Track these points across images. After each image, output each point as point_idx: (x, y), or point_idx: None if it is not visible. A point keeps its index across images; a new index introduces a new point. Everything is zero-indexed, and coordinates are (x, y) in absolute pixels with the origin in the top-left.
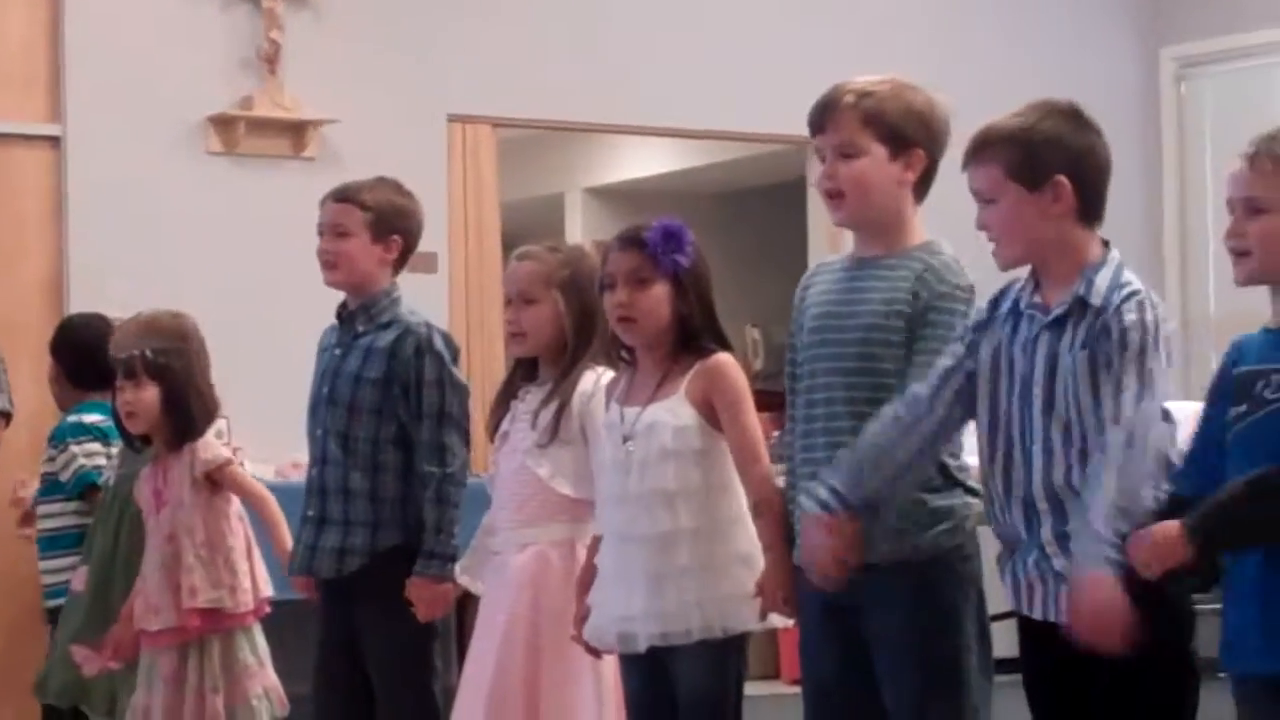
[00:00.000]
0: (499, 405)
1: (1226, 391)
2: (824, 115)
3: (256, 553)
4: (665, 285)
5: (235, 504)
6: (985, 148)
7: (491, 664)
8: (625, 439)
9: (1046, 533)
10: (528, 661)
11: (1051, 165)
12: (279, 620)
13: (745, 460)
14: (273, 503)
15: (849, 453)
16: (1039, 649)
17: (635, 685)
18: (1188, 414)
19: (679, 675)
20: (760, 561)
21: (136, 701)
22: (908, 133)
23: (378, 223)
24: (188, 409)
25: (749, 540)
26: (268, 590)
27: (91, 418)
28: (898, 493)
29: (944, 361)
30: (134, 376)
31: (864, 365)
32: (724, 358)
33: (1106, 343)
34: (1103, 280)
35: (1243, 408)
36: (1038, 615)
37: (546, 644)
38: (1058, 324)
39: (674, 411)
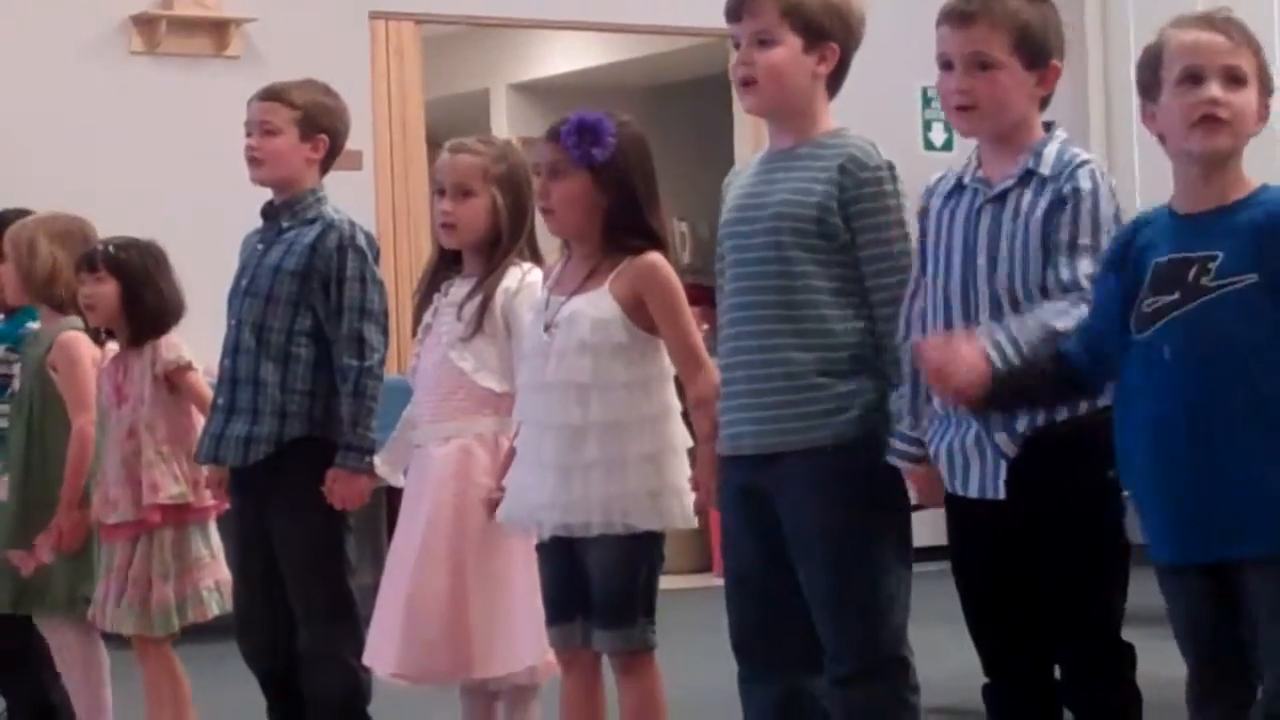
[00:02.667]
0: (421, 296)
1: (1126, 267)
2: (742, 3)
3: None
4: (583, 178)
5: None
6: (995, 5)
7: (414, 554)
8: (547, 326)
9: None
10: (452, 551)
11: (1051, 50)
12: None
13: (685, 359)
14: None
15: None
16: (969, 530)
17: (548, 572)
18: None
19: (591, 566)
20: (669, 462)
21: (98, 593)
22: (825, 26)
23: (305, 121)
24: (146, 305)
25: (660, 439)
26: None
27: None
28: None
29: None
30: (94, 270)
31: (772, 254)
32: (655, 258)
33: (1061, 210)
34: (1051, 152)
35: (1174, 295)
36: (973, 493)
37: (471, 533)
38: (1001, 198)
39: (595, 304)
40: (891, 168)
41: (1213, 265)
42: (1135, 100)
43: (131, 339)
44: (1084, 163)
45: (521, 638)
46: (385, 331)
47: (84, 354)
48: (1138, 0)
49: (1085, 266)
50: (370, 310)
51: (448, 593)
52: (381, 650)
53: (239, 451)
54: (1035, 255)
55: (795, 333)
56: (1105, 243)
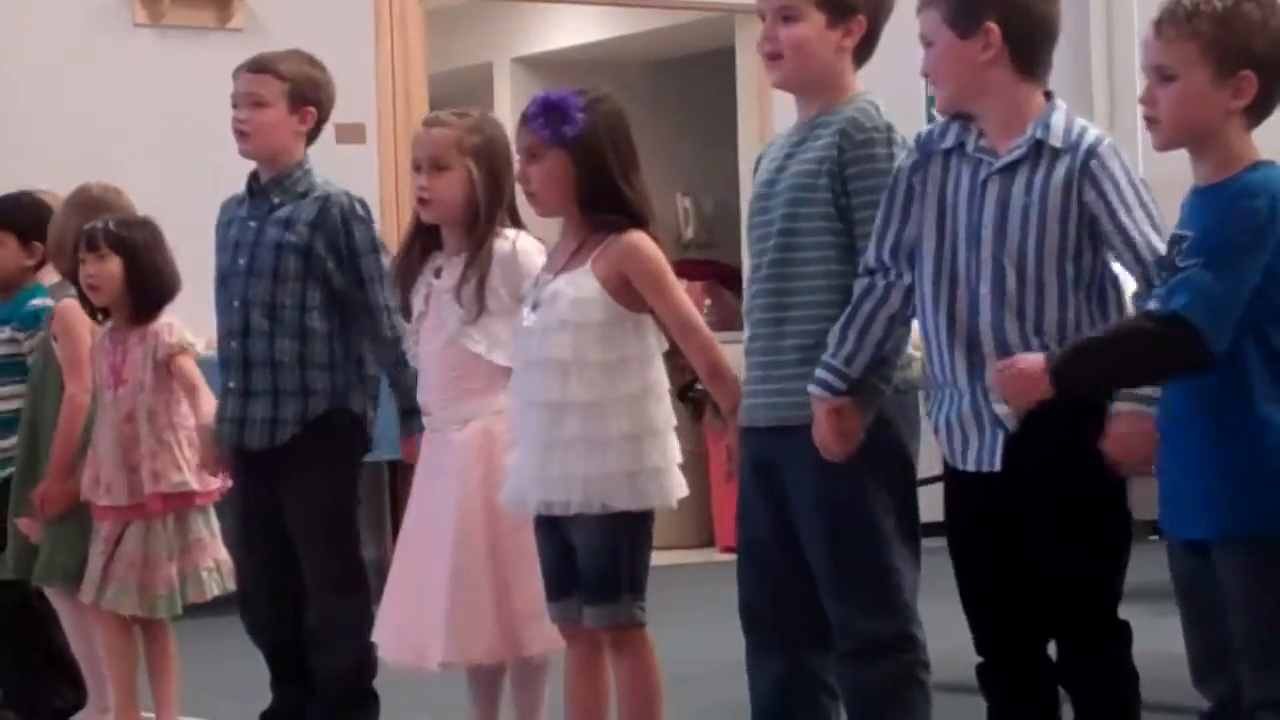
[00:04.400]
0: (404, 276)
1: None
2: None
3: None
4: (559, 157)
5: None
6: None
7: (447, 542)
8: (534, 305)
9: (989, 377)
10: (488, 535)
11: (983, 14)
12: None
13: (683, 332)
14: (208, 401)
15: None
16: (968, 500)
17: (543, 549)
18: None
19: (576, 543)
20: (648, 443)
21: (91, 569)
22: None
23: (293, 93)
24: (148, 282)
25: (640, 419)
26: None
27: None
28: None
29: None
30: (96, 248)
31: (786, 228)
32: (635, 237)
33: (1094, 194)
34: (1058, 123)
35: (1166, 273)
36: (970, 466)
37: (503, 514)
38: (1009, 169)
39: (575, 284)
40: (890, 129)
41: (1184, 245)
42: (1138, 72)
43: (132, 317)
44: (1099, 137)
45: None
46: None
47: (79, 321)
48: None
49: (1152, 236)
50: (385, 277)
51: (491, 576)
52: (417, 642)
53: (265, 434)
54: (1053, 225)
55: (806, 304)
56: (1151, 208)
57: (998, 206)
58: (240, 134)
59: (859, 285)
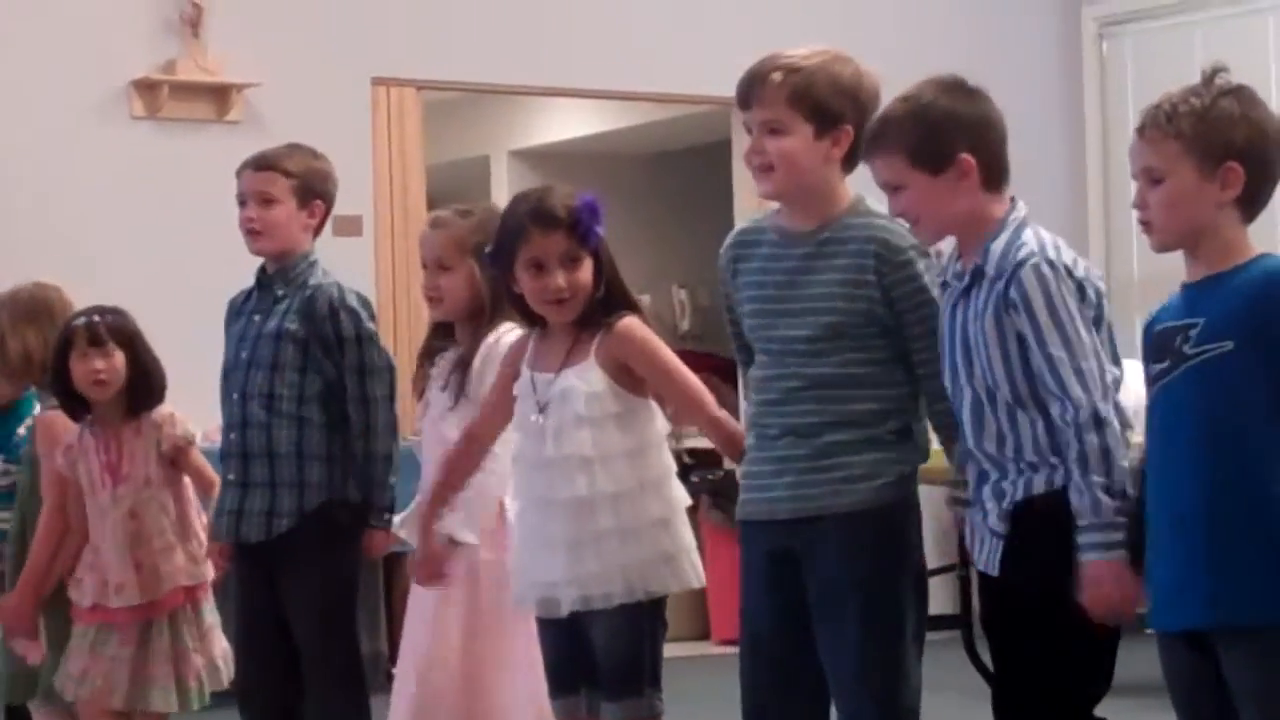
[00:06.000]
0: (419, 368)
1: (1145, 349)
2: (751, 91)
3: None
4: (589, 261)
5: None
6: (882, 138)
7: (429, 628)
8: (539, 406)
9: (988, 490)
10: (465, 625)
11: (953, 145)
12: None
13: (691, 408)
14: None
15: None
16: (985, 597)
17: (551, 644)
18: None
19: (596, 638)
20: (677, 524)
21: (70, 668)
22: (834, 109)
23: (301, 189)
24: (150, 374)
25: (667, 503)
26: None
27: None
28: None
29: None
30: (102, 344)
31: (814, 345)
32: (629, 321)
33: (1016, 317)
34: (998, 246)
35: (1165, 364)
36: (980, 567)
37: (482, 605)
38: (965, 293)
39: (585, 378)
40: (918, 245)
41: (1193, 332)
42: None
43: (127, 410)
44: (1025, 259)
45: (531, 712)
46: (393, 384)
47: (59, 435)
48: (1135, 64)
49: (1075, 388)
50: (372, 368)
51: (459, 665)
52: None
53: (261, 526)
54: (995, 351)
55: (836, 414)
56: (1075, 334)
57: (961, 333)
58: (252, 233)
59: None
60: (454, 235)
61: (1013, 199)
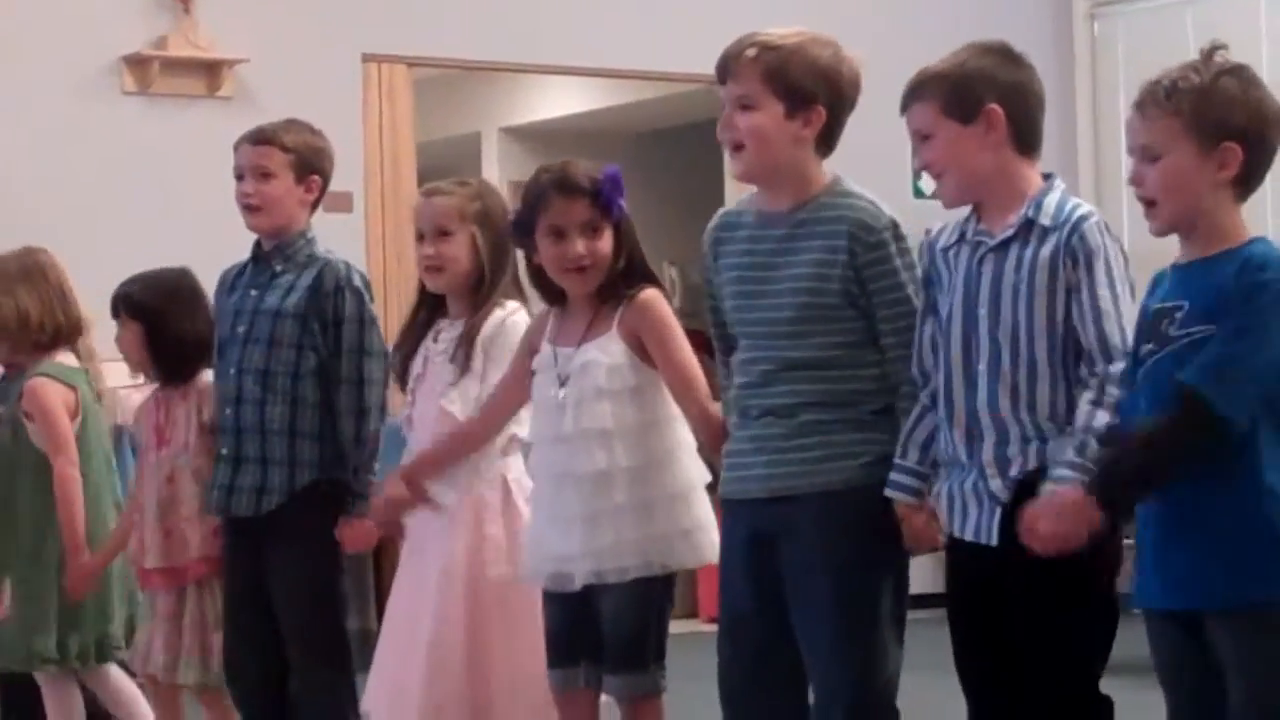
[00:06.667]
0: (406, 344)
1: (1139, 328)
2: (727, 66)
3: None
4: (610, 232)
5: None
6: (919, 88)
7: (429, 608)
8: (561, 380)
9: (987, 453)
10: (470, 604)
11: (983, 97)
12: None
13: (681, 394)
14: None
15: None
16: (965, 571)
17: (555, 615)
18: None
19: (604, 611)
20: (696, 498)
21: (139, 639)
22: (807, 89)
23: (299, 164)
24: (168, 345)
25: (684, 477)
26: None
27: None
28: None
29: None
30: (117, 316)
31: (790, 325)
32: (651, 293)
33: (1073, 268)
34: (1052, 200)
35: (1151, 345)
36: (969, 537)
37: (487, 584)
38: (1003, 247)
39: (606, 350)
40: (895, 225)
41: (1179, 315)
42: (1124, 149)
43: (164, 379)
44: (1088, 214)
45: (539, 690)
46: (385, 368)
47: (50, 397)
48: (1126, 45)
49: (1116, 340)
50: (370, 350)
51: (466, 650)
52: (395, 708)
53: (251, 502)
54: (1040, 301)
55: (814, 394)
56: (1129, 300)
57: (991, 286)
58: (250, 208)
59: (918, 407)
60: (454, 202)
61: (1049, 175)
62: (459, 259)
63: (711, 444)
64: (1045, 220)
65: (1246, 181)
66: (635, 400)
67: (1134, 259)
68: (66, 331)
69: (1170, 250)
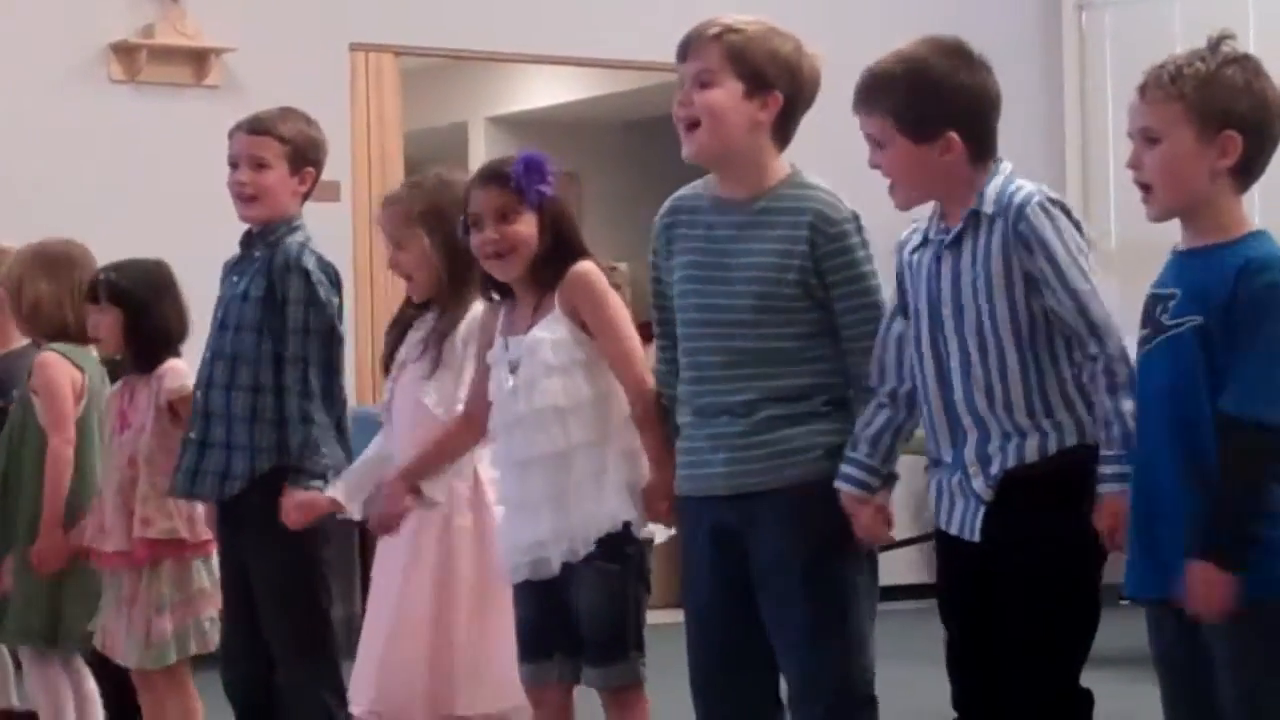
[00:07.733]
0: (391, 333)
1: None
2: (689, 44)
3: None
4: (532, 217)
5: None
6: (871, 94)
7: (396, 593)
8: (512, 367)
9: (969, 452)
10: (437, 589)
11: (939, 118)
12: None
13: (621, 365)
14: None
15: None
16: (952, 561)
17: (527, 608)
18: None
19: (579, 601)
20: (643, 460)
21: (103, 623)
22: (768, 74)
23: (295, 155)
24: (146, 332)
25: (633, 438)
26: None
27: None
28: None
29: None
30: (96, 300)
31: (746, 315)
32: (582, 265)
33: (1028, 256)
34: (993, 188)
35: (1147, 331)
36: (954, 531)
37: (456, 571)
38: (956, 243)
39: (550, 329)
40: (856, 218)
41: (1171, 303)
42: (1111, 141)
43: (136, 365)
44: (1028, 197)
45: (507, 676)
46: (330, 348)
47: (58, 374)
48: (1114, 38)
49: (1098, 311)
50: (312, 329)
51: (430, 628)
52: (360, 687)
53: (215, 486)
54: (999, 293)
55: (768, 389)
56: (1088, 264)
57: (952, 284)
58: (244, 197)
59: (874, 402)
60: (401, 210)
61: (998, 159)
62: (419, 265)
63: (644, 417)
64: (988, 208)
65: (1246, 172)
66: (586, 374)
67: (1124, 251)
68: (72, 331)
69: (1161, 244)
